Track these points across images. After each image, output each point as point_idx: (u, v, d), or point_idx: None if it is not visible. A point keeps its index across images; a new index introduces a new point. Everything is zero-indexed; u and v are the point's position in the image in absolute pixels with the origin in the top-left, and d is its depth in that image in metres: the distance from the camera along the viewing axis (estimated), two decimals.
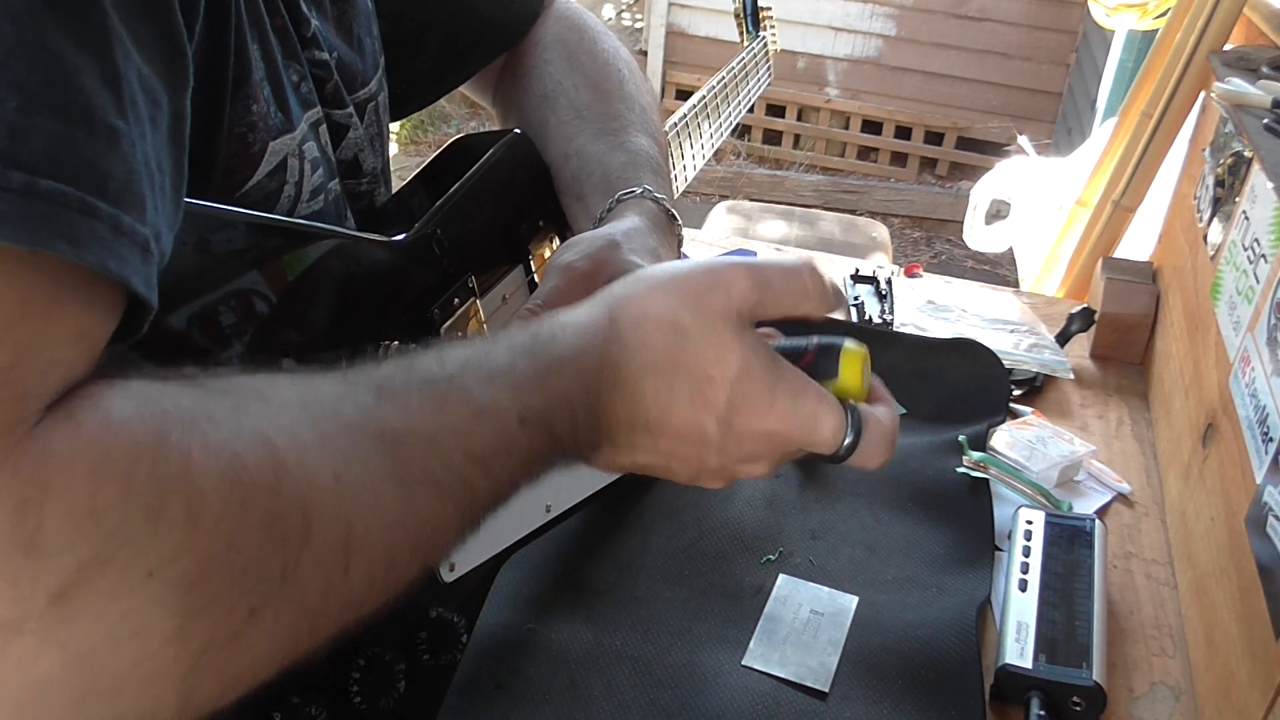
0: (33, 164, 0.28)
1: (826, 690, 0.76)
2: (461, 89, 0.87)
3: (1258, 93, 1.05)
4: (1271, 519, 0.70)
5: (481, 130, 0.80)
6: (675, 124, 0.95)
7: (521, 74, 0.84)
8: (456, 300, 0.64)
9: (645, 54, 4.95)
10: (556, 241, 0.77)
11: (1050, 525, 0.90)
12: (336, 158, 0.64)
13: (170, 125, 0.36)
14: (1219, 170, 1.08)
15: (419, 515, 0.38)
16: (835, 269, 1.43)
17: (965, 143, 4.87)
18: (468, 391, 0.40)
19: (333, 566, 0.34)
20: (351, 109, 0.65)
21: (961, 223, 2.58)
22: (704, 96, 1.00)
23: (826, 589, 0.86)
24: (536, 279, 0.74)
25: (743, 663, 0.78)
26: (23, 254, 0.28)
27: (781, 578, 0.87)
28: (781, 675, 0.77)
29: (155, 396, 0.31)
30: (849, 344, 0.52)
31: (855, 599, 0.85)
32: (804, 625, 0.82)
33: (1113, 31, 2.91)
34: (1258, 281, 0.87)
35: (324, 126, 0.63)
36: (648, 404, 0.45)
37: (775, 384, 0.46)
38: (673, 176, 0.96)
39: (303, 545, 0.33)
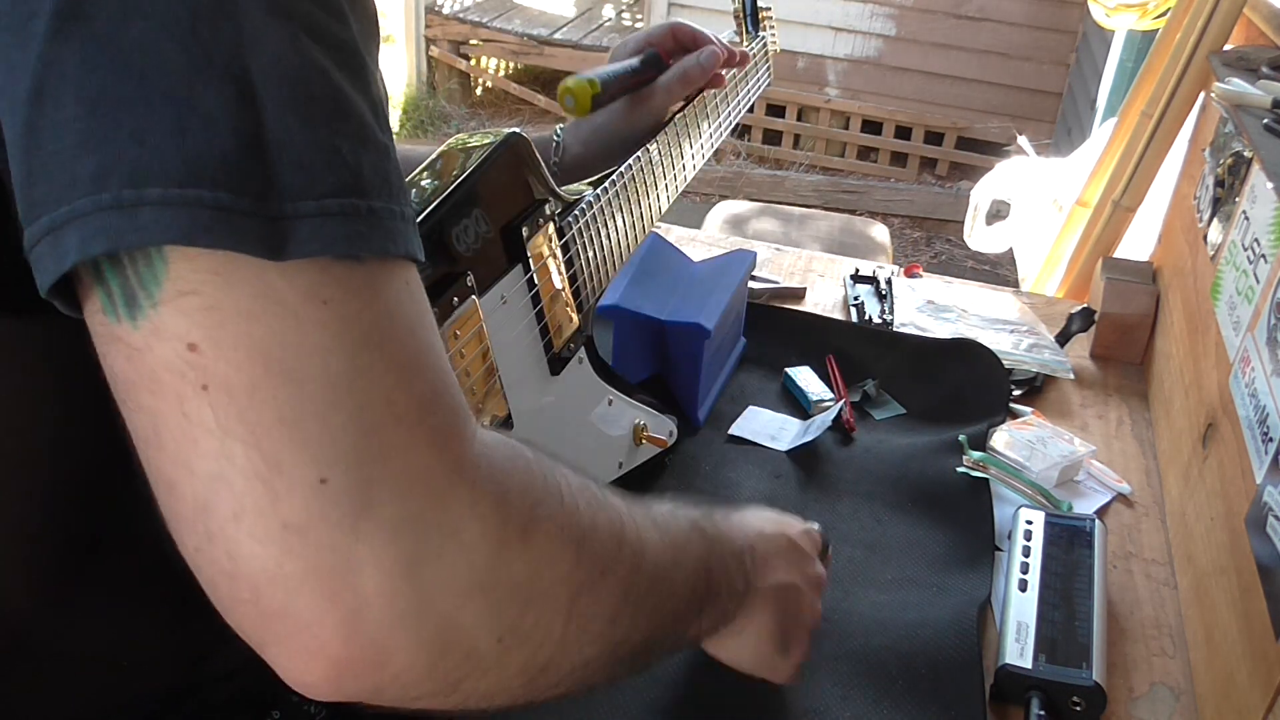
0: (369, 190, 0.36)
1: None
2: None
3: (1258, 93, 1.05)
4: (1271, 519, 0.70)
5: (482, 129, 0.80)
6: (675, 124, 0.95)
7: None
8: (456, 299, 0.64)
9: None
10: (555, 240, 0.77)
11: (1050, 525, 0.90)
12: None
13: None
14: (1219, 170, 1.08)
15: (664, 579, 0.51)
16: (835, 269, 1.43)
17: (965, 143, 4.87)
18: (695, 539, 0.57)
19: (630, 571, 0.47)
20: None
21: (961, 223, 2.58)
22: (704, 96, 1.00)
23: None
24: (536, 278, 0.74)
25: None
26: (382, 262, 0.37)
27: None
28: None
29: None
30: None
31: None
32: None
33: (1113, 31, 2.91)
34: (1258, 281, 0.87)
35: None
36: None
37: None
38: (673, 176, 0.96)
39: (620, 550, 0.47)
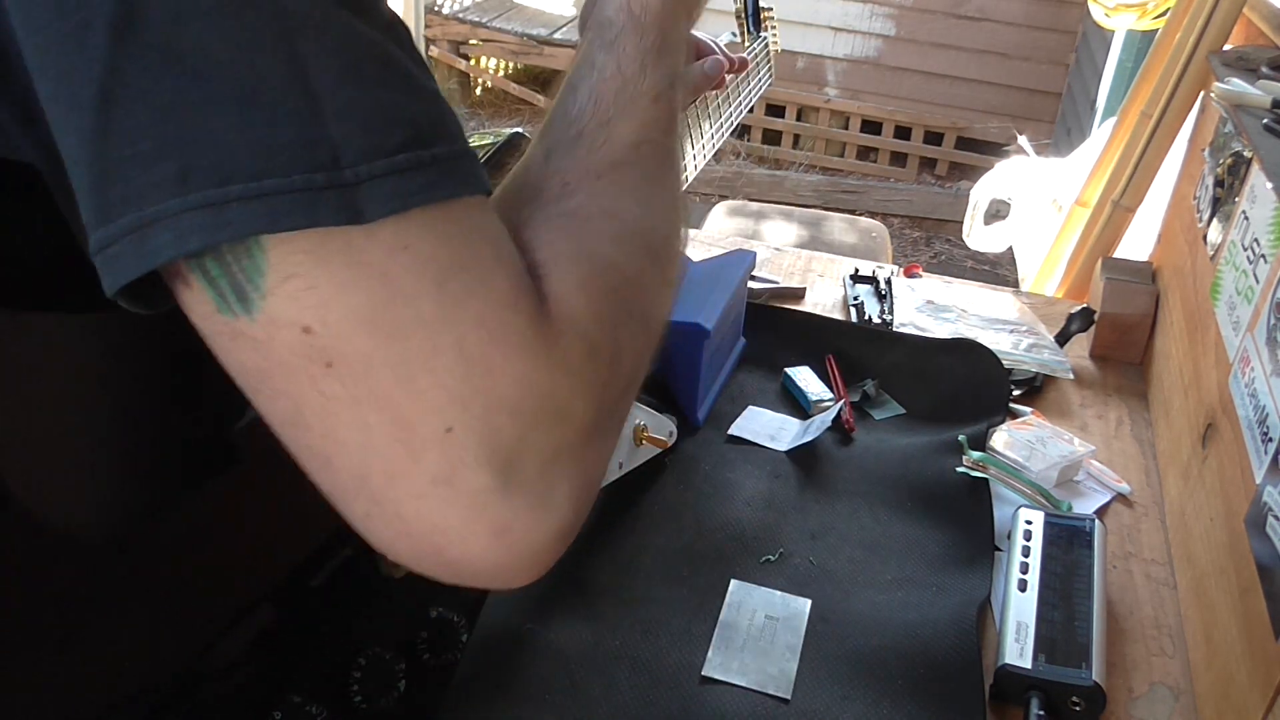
0: (430, 138, 0.38)
1: (789, 698, 0.76)
2: None
3: (1257, 93, 1.05)
4: (1271, 519, 0.70)
5: (481, 130, 0.80)
6: None
7: None
8: None
9: None
10: None
11: (1050, 525, 0.90)
12: None
13: None
14: (1218, 170, 1.08)
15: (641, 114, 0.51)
16: (835, 269, 1.43)
17: (965, 143, 4.87)
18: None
19: (645, 242, 0.48)
20: None
21: (961, 223, 2.58)
22: (704, 96, 1.00)
23: (779, 593, 0.86)
24: None
25: (702, 673, 0.78)
26: (459, 202, 0.39)
27: (733, 583, 0.86)
28: (743, 684, 0.77)
29: (549, 242, 0.44)
30: None
31: (809, 602, 0.85)
32: (760, 631, 0.82)
33: (1112, 31, 2.92)
34: (1257, 281, 0.87)
35: None
36: None
37: None
38: None
39: (643, 242, 0.48)
